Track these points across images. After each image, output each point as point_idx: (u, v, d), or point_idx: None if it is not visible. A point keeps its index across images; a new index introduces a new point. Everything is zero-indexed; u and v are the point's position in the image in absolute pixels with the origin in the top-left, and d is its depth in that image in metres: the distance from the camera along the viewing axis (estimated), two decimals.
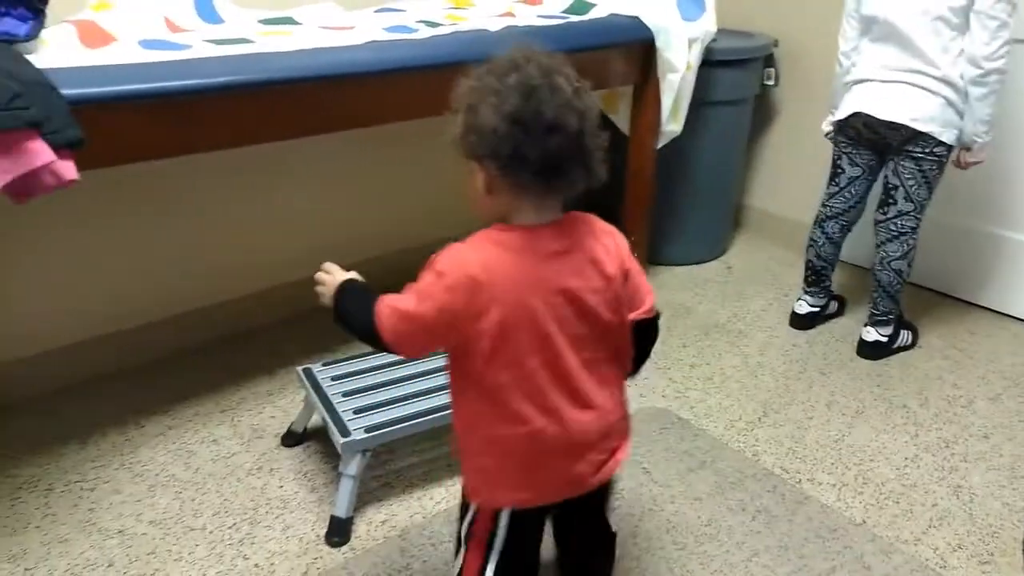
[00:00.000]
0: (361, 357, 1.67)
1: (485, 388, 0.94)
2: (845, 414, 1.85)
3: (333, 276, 1.03)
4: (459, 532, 1.07)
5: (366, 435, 1.42)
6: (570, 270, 0.93)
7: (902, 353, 2.11)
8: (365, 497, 1.53)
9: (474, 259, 0.89)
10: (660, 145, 2.20)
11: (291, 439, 1.69)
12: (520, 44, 0.91)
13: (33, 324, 1.78)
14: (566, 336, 0.93)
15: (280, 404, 1.82)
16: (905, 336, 2.11)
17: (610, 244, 0.98)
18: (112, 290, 1.87)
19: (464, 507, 1.07)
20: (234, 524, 1.47)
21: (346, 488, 1.44)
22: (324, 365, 1.64)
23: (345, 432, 1.42)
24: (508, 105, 0.84)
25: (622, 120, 2.28)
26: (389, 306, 0.93)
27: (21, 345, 1.78)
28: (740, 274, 2.57)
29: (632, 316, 1.01)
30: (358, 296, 1.00)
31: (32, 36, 1.17)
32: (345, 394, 1.55)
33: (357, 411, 1.49)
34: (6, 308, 1.73)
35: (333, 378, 1.60)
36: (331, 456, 1.62)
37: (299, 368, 1.62)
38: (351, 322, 0.99)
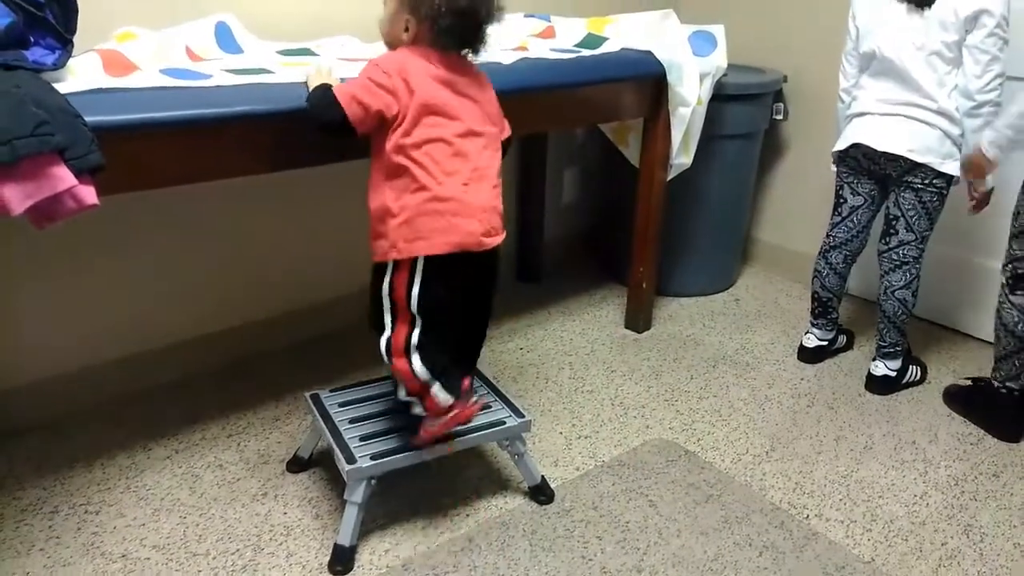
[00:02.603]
0: (369, 384, 1.67)
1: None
2: (854, 449, 1.84)
3: (318, 75, 1.36)
4: (379, 296, 1.39)
5: (372, 463, 1.42)
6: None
7: (911, 388, 2.10)
8: (369, 525, 1.52)
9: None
10: (670, 178, 2.22)
11: (297, 465, 1.69)
12: None
13: (42, 349, 1.79)
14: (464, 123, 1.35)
15: (287, 430, 1.82)
16: (914, 371, 2.10)
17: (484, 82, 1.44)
18: (121, 316, 1.89)
19: (379, 273, 1.39)
20: (237, 550, 1.47)
21: (350, 516, 1.43)
22: (332, 391, 1.64)
23: (351, 459, 1.42)
24: None
25: (632, 152, 2.31)
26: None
27: (29, 369, 1.78)
28: (748, 306, 2.57)
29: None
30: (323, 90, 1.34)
31: (60, 65, 1.20)
32: (352, 421, 1.55)
33: (363, 438, 1.49)
34: (15, 333, 1.75)
35: (340, 404, 1.60)
36: (336, 483, 1.62)
37: (306, 394, 1.63)
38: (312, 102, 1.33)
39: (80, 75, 1.25)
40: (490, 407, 1.63)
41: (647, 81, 2.04)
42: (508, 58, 1.78)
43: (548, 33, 2.13)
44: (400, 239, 1.34)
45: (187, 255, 1.95)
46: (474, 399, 1.52)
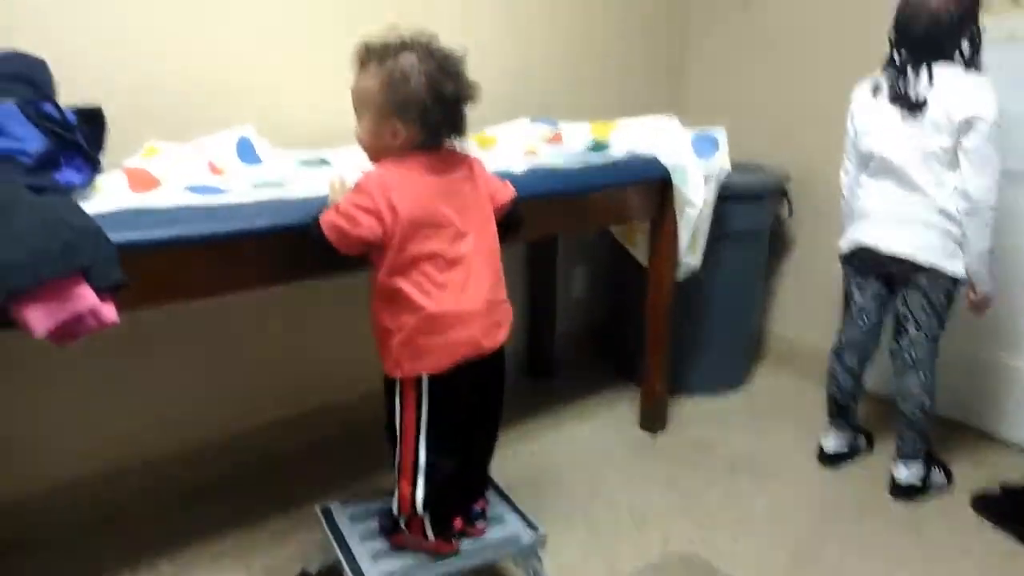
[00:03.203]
0: (381, 497, 1.63)
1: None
2: (881, 563, 1.76)
3: (340, 189, 1.37)
4: (392, 412, 1.41)
5: None
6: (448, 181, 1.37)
7: (938, 494, 2.03)
8: None
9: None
10: (680, 278, 2.23)
11: None
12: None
13: (49, 461, 1.76)
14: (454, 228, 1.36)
15: (295, 543, 1.76)
16: (939, 475, 2.05)
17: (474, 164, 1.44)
18: (124, 424, 1.86)
19: (390, 391, 1.41)
20: None
21: None
22: (343, 504, 1.60)
23: None
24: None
25: (640, 252, 2.33)
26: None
27: (36, 482, 1.75)
28: (764, 406, 2.53)
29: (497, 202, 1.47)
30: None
31: (87, 184, 1.23)
32: (363, 537, 1.50)
33: (375, 556, 1.44)
34: (23, 445, 1.72)
35: (351, 518, 1.55)
36: None
37: (318, 507, 1.58)
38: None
39: (106, 193, 1.28)
40: (503, 520, 1.58)
41: (653, 184, 2.09)
42: (518, 165, 1.83)
43: (556, 139, 2.20)
44: (403, 358, 1.35)
45: (191, 362, 1.94)
46: (480, 524, 1.55)
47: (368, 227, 1.28)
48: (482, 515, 1.57)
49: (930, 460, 2.04)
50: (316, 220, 1.31)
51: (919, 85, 1.79)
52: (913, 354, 1.94)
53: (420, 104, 1.29)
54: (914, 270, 1.87)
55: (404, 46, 1.32)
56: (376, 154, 1.37)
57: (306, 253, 1.37)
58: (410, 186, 1.31)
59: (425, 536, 1.46)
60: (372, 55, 1.33)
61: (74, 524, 1.78)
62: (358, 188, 1.31)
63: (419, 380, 1.37)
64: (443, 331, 1.34)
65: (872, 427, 2.31)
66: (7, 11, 1.52)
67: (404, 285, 1.32)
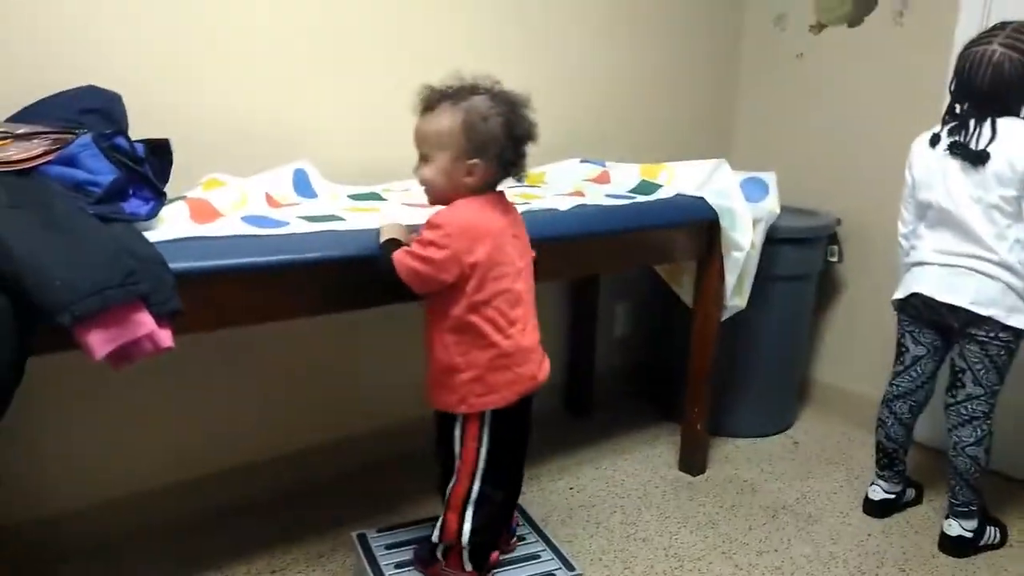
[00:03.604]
0: (417, 525, 1.64)
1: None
2: None
3: (391, 229, 1.41)
4: (448, 447, 1.44)
5: None
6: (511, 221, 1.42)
7: (990, 551, 1.95)
8: None
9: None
10: (724, 319, 2.21)
11: None
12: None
13: (91, 475, 1.82)
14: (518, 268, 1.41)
15: (330, 567, 1.78)
16: (992, 533, 1.97)
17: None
18: (168, 443, 1.91)
19: (447, 425, 1.44)
20: None
21: None
22: (378, 532, 1.62)
23: None
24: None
25: (685, 292, 2.32)
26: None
27: (77, 495, 1.80)
28: (807, 450, 2.48)
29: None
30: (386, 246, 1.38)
31: (152, 215, 1.30)
32: (398, 566, 1.52)
33: None
34: (63, 459, 1.78)
35: (387, 547, 1.58)
36: None
37: (353, 533, 1.61)
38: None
39: (169, 223, 1.35)
40: (539, 557, 1.58)
41: (700, 226, 2.08)
42: (564, 203, 1.85)
43: (603, 178, 2.22)
44: (470, 395, 1.38)
45: (237, 382, 1.99)
46: (514, 541, 1.64)
47: (449, 271, 1.31)
48: (515, 529, 1.67)
49: (984, 517, 1.96)
50: (389, 261, 1.33)
51: (981, 137, 1.76)
52: (970, 409, 1.88)
53: (498, 143, 1.33)
54: (973, 322, 1.82)
55: (475, 88, 1.36)
56: (443, 194, 1.38)
57: (361, 281, 1.41)
58: (486, 226, 1.34)
59: (463, 568, 1.48)
60: (443, 97, 1.35)
61: (117, 538, 1.83)
62: (437, 229, 1.31)
63: (483, 415, 1.42)
64: (513, 366, 1.39)
65: (922, 478, 2.23)
66: (87, 50, 1.62)
67: (479, 321, 1.35)
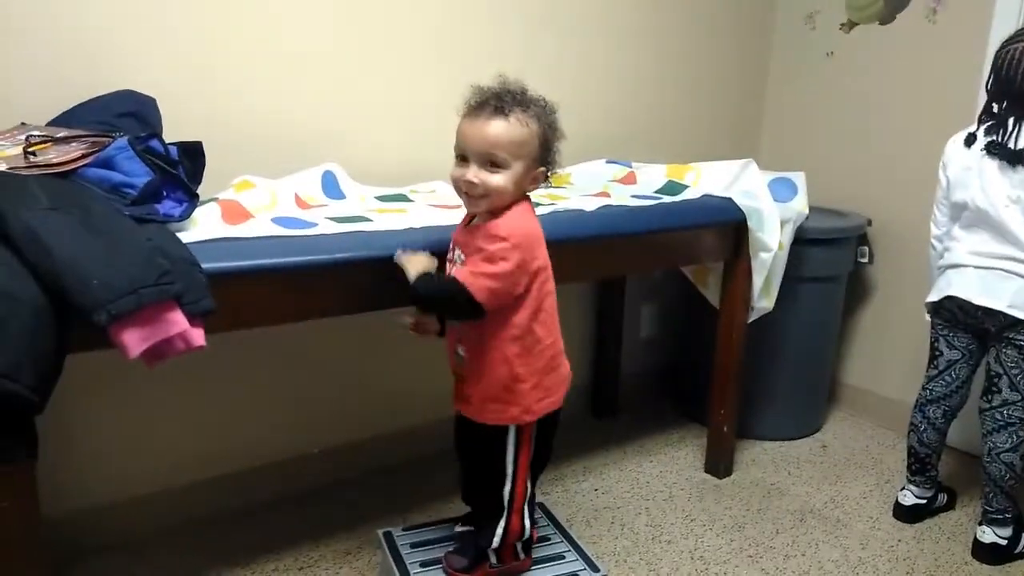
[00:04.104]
0: (443, 524, 1.65)
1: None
2: None
3: (410, 266, 1.36)
4: (503, 452, 1.44)
5: None
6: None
7: None
8: None
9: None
10: (751, 320, 2.20)
11: None
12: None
13: (122, 470, 1.86)
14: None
15: (357, 565, 1.81)
16: None
17: None
18: (196, 439, 1.95)
19: (498, 437, 1.42)
20: None
21: None
22: (404, 530, 1.64)
23: None
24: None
25: (712, 293, 2.31)
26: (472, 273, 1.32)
27: (104, 491, 1.84)
28: (836, 454, 2.45)
29: None
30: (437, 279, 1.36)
31: (185, 216, 1.32)
32: (423, 564, 1.53)
33: None
34: (96, 454, 1.82)
35: (412, 545, 1.59)
36: None
37: (380, 531, 1.63)
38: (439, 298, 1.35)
39: (201, 224, 1.38)
40: (563, 557, 1.58)
41: (728, 226, 2.07)
42: (590, 204, 1.85)
43: (630, 179, 2.21)
44: (532, 402, 1.41)
45: (265, 381, 2.02)
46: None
47: (520, 281, 1.33)
48: None
49: (1019, 525, 1.92)
50: (462, 295, 1.29)
51: (1021, 137, 1.73)
52: (1006, 415, 1.84)
53: (551, 149, 1.38)
54: (1010, 325, 1.78)
55: (526, 93, 1.36)
56: (502, 201, 1.33)
57: (389, 281, 1.41)
58: (538, 231, 1.38)
59: (517, 556, 1.54)
60: (514, 102, 1.32)
61: (146, 533, 1.87)
62: (502, 242, 1.30)
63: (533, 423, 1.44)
64: (558, 367, 1.44)
65: (954, 483, 2.20)
66: (124, 57, 1.66)
67: (537, 327, 1.38)
